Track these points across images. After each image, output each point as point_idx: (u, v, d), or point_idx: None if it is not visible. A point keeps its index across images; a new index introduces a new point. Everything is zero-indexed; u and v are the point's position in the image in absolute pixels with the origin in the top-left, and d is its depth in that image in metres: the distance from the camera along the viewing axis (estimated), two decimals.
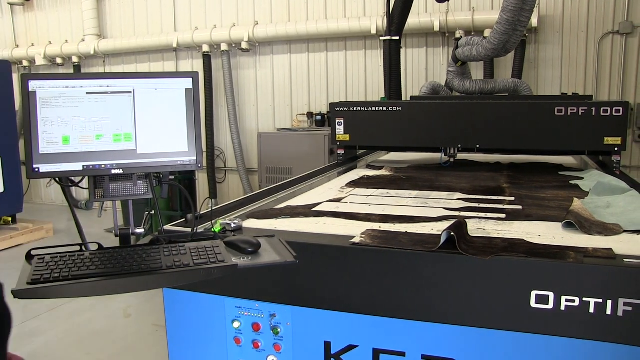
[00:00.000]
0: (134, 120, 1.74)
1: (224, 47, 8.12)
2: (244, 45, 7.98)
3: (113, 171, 1.74)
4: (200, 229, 2.11)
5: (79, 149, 1.70)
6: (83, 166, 1.71)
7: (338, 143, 4.15)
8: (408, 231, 2.09)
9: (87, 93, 1.70)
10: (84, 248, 1.72)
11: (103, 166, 1.73)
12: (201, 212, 2.30)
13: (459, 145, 3.82)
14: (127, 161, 1.75)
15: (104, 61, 9.27)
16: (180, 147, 1.81)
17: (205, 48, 8.20)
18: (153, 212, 1.94)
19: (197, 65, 8.44)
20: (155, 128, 1.78)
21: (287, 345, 2.06)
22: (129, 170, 1.76)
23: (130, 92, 1.74)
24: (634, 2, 6.48)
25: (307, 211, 2.49)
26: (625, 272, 1.63)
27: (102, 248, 1.72)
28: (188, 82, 1.81)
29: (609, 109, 3.45)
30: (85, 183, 1.80)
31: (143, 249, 1.70)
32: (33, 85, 1.66)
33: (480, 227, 2.17)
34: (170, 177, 1.88)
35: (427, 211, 2.50)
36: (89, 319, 4.94)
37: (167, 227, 2.18)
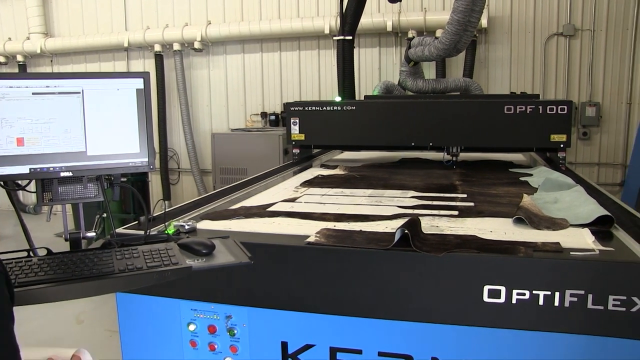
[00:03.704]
0: (83, 121, 1.70)
1: (176, 46, 8.01)
2: (196, 45, 7.89)
3: (62, 174, 1.69)
4: (154, 231, 2.07)
5: (25, 151, 1.64)
6: (30, 169, 1.66)
7: (293, 142, 4.15)
8: (362, 230, 2.10)
9: (33, 93, 1.65)
10: (31, 254, 1.67)
11: (51, 169, 1.68)
12: (154, 214, 2.26)
13: (412, 143, 3.87)
14: (76, 163, 1.71)
15: (51, 60, 9.00)
16: (131, 148, 1.78)
17: (157, 48, 8.07)
18: (105, 215, 1.90)
19: (149, 65, 8.30)
20: (105, 129, 1.74)
21: (243, 347, 2.05)
22: (79, 172, 1.72)
23: (79, 92, 1.69)
24: (575, 6, 6.73)
25: (262, 211, 2.47)
26: (571, 264, 1.69)
27: (51, 253, 1.67)
28: (139, 83, 1.78)
29: (554, 107, 3.56)
30: (32, 186, 1.75)
31: (94, 253, 1.66)
32: None
33: (433, 224, 2.20)
34: (122, 179, 1.84)
35: (381, 209, 2.52)
36: (38, 327, 4.80)
37: (120, 230, 2.13)
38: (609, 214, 2.12)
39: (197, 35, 7.82)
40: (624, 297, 1.64)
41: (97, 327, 4.80)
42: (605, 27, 6.66)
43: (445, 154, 3.90)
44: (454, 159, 3.92)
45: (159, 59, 8.11)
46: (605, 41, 6.68)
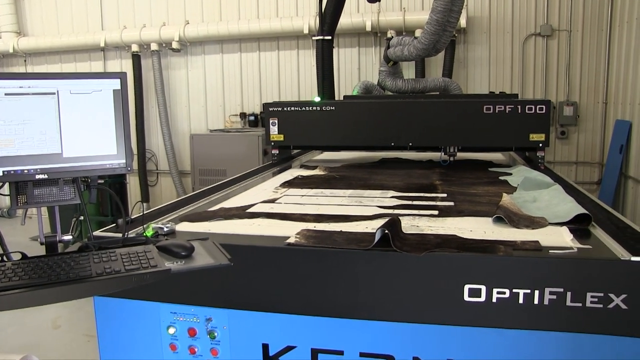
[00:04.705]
0: (58, 122, 1.68)
1: (154, 46, 7.95)
2: (174, 45, 7.84)
3: (37, 176, 1.67)
4: (132, 233, 2.05)
5: None
6: (3, 171, 1.63)
7: (272, 143, 4.14)
8: (342, 230, 2.11)
9: (6, 94, 1.63)
10: (5, 258, 1.64)
11: (26, 171, 1.65)
12: (132, 217, 2.25)
13: (392, 143, 3.88)
14: (52, 165, 1.68)
15: (25, 60, 8.86)
16: (108, 149, 1.76)
17: (135, 48, 8.00)
18: (82, 217, 1.88)
19: (126, 66, 8.22)
20: (82, 131, 1.72)
21: (224, 350, 2.04)
22: (55, 175, 1.70)
23: (54, 93, 1.67)
24: (552, 7, 6.83)
25: (241, 213, 2.47)
26: (550, 262, 1.71)
27: (26, 257, 1.65)
28: (116, 83, 1.76)
29: (533, 106, 3.60)
30: (6, 189, 1.72)
31: (71, 256, 1.64)
32: None
33: (413, 224, 2.21)
34: (99, 181, 1.82)
35: (361, 210, 2.52)
36: (13, 333, 4.73)
37: (97, 232, 2.11)
38: (586, 212, 2.15)
39: (175, 35, 7.77)
40: (602, 294, 1.67)
41: (74, 332, 4.75)
42: (581, 28, 6.76)
43: (442, 154, 3.90)
44: (451, 159, 3.93)
45: (136, 59, 8.04)
46: (581, 41, 6.78)
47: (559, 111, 6.85)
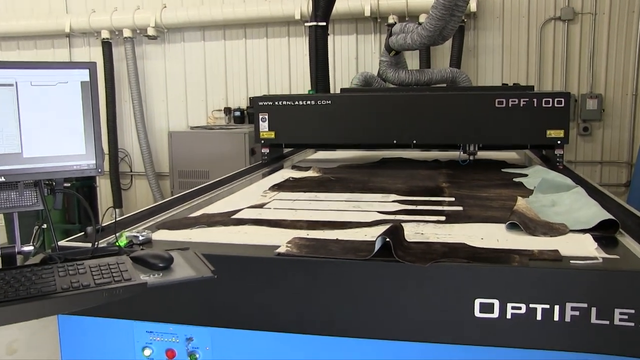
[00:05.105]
0: (17, 118, 1.66)
1: (126, 33, 7.91)
2: (150, 32, 7.81)
3: None
4: (103, 243, 2.05)
5: None
6: None
7: (262, 141, 4.15)
8: (339, 238, 2.11)
9: None
10: None
11: None
12: (103, 224, 2.24)
13: (394, 141, 3.89)
14: (10, 167, 1.67)
15: None
16: (76, 149, 1.75)
17: (105, 34, 7.96)
18: (45, 225, 1.87)
19: (96, 54, 8.17)
20: (45, 128, 1.71)
21: None
22: (13, 177, 1.68)
23: (12, 84, 1.66)
24: None
25: (226, 219, 2.47)
26: (572, 274, 1.71)
27: None
28: (84, 74, 1.76)
29: (550, 100, 3.62)
30: None
31: (32, 269, 1.63)
32: None
33: (418, 231, 2.21)
34: (66, 185, 1.81)
35: (360, 215, 2.53)
36: None
37: (63, 242, 2.11)
38: (613, 217, 2.15)
39: (151, 20, 7.75)
40: (632, 311, 1.66)
41: (34, 357, 4.71)
42: (608, 10, 6.74)
43: (461, 152, 3.90)
44: (471, 158, 3.93)
45: (106, 47, 8.00)
46: (608, 25, 6.75)
47: (581, 105, 6.85)
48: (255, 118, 4.12)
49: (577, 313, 1.69)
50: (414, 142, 3.88)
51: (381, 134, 3.90)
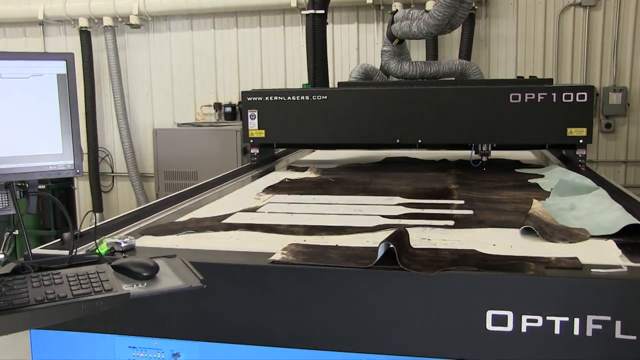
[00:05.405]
0: None
1: (107, 21, 7.91)
2: (133, 20, 7.81)
3: None
4: (81, 251, 2.04)
5: None
6: None
7: (251, 140, 4.14)
8: (339, 244, 2.11)
9: None
10: None
11: None
12: (82, 230, 2.24)
13: (397, 140, 3.88)
14: None
15: None
16: (52, 148, 1.75)
17: (83, 22, 7.94)
18: (17, 232, 1.87)
19: (73, 44, 8.15)
20: (17, 125, 1.71)
21: None
22: None
23: None
24: None
25: (216, 224, 2.47)
26: (593, 284, 1.71)
27: None
28: (60, 66, 1.75)
29: (572, 94, 3.60)
30: None
31: (2, 280, 1.62)
32: None
33: (424, 236, 2.22)
34: (40, 187, 1.81)
35: (361, 220, 2.53)
36: None
37: (37, 250, 2.10)
38: (638, 222, 2.15)
39: (134, 7, 7.74)
40: None
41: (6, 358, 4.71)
42: None
43: (473, 152, 3.89)
44: (484, 159, 3.92)
45: (84, 36, 7.98)
46: (635, 11, 6.73)
47: (604, 99, 6.83)
48: (243, 115, 4.11)
49: (599, 327, 1.69)
50: (420, 141, 3.88)
51: (383, 133, 3.89)
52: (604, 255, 1.93)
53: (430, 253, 1.96)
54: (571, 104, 3.60)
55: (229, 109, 7.76)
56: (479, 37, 7.08)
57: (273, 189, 3.29)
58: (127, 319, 2.02)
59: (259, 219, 2.58)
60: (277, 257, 1.95)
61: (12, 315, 1.48)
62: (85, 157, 7.97)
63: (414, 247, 2.00)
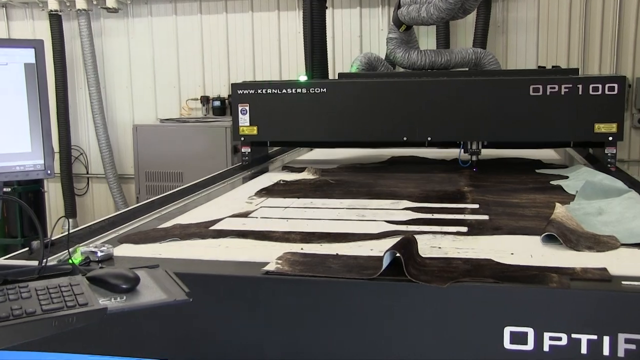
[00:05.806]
0: None
1: (80, 4, 7.88)
2: (109, 3, 7.79)
3: None
4: (53, 261, 2.05)
5: None
6: None
7: (242, 138, 4.14)
8: (339, 253, 2.11)
9: None
10: None
11: None
12: (53, 237, 2.23)
13: (404, 138, 3.88)
14: None
15: None
16: (19, 146, 1.76)
17: (53, 5, 7.91)
18: None
19: (41, 30, 8.15)
20: None
21: None
22: None
23: None
24: None
25: (204, 230, 2.47)
26: (625, 298, 1.71)
27: None
28: (29, 54, 1.76)
29: (600, 86, 3.59)
30: None
31: None
32: None
33: (434, 244, 2.22)
34: (5, 189, 1.82)
35: (365, 226, 2.54)
36: None
37: (1, 260, 2.11)
38: None
39: None
40: None
41: None
42: None
43: (462, 151, 3.89)
44: (474, 158, 3.92)
45: (55, 21, 7.96)
46: None
47: (636, 91, 6.83)
48: (233, 110, 4.11)
49: (633, 347, 1.68)
50: (429, 139, 3.87)
51: (388, 129, 3.89)
52: (636, 265, 1.94)
53: (441, 263, 1.97)
54: (599, 96, 3.59)
55: (217, 103, 7.77)
56: (496, 23, 7.08)
57: (266, 192, 3.29)
58: (105, 338, 2.01)
59: (251, 225, 2.59)
60: (271, 267, 1.95)
61: None
62: (57, 156, 7.97)
63: (422, 256, 2.00)
